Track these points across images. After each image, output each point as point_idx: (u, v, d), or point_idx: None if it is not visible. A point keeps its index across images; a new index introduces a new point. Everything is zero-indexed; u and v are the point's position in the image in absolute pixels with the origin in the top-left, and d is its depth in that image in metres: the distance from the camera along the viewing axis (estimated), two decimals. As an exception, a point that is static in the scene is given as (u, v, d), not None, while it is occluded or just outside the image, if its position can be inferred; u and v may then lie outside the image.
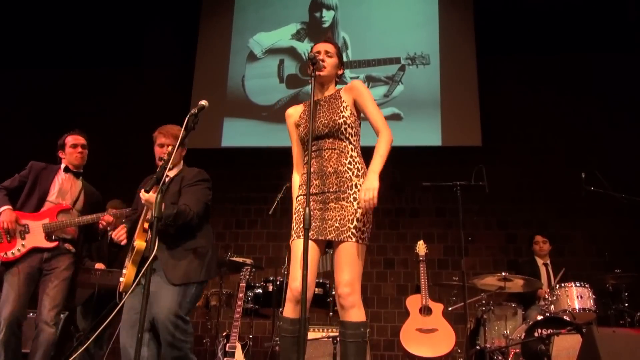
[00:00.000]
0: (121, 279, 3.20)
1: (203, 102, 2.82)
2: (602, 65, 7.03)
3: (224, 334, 4.72)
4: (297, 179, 3.03)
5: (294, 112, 3.04)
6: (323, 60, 2.87)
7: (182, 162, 3.59)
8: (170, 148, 3.14)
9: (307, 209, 2.48)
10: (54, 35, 7.78)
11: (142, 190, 3.12)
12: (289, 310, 2.71)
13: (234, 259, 5.12)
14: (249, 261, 5.13)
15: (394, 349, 6.24)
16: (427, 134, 7.04)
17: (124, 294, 3.14)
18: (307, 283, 2.44)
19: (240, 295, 4.69)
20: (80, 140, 4.18)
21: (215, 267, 3.49)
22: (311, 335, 4.71)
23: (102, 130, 7.38)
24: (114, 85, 7.69)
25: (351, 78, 7.16)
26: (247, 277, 4.83)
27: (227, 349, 4.53)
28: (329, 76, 2.94)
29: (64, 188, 4.04)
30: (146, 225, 3.22)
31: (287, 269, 4.54)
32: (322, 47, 2.95)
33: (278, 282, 4.85)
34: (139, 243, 3.18)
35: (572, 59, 7.12)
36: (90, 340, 2.89)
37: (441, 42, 7.28)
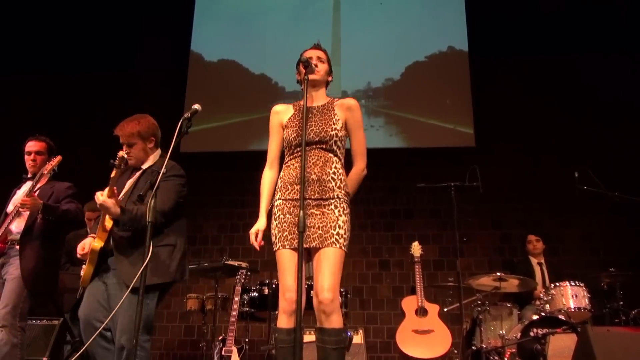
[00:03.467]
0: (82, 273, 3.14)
1: (196, 106, 2.82)
2: (593, 65, 7.06)
3: (220, 338, 4.71)
4: (268, 175, 2.98)
5: (282, 111, 3.01)
6: (316, 65, 2.88)
7: (156, 154, 3.37)
8: (127, 149, 3.19)
9: (302, 212, 2.47)
10: (47, 40, 7.75)
11: (98, 192, 2.96)
12: (285, 322, 2.67)
13: (229, 262, 5.11)
14: (244, 265, 5.12)
15: (390, 351, 6.24)
16: (421, 135, 7.06)
17: (80, 288, 3.16)
18: (301, 290, 2.43)
19: (236, 298, 4.68)
20: (33, 147, 4.06)
21: (183, 269, 3.20)
22: (308, 338, 4.70)
23: (95, 134, 7.36)
24: (108, 89, 7.66)
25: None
26: (243, 280, 4.82)
27: (223, 353, 4.52)
28: (322, 81, 2.95)
29: (17, 197, 3.96)
30: (107, 225, 3.08)
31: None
32: (314, 53, 2.97)
33: (274, 285, 4.84)
34: (96, 243, 3.06)
35: (564, 60, 7.15)
36: (85, 346, 2.87)
37: (434, 43, 7.31)
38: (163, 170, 2.67)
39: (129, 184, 3.27)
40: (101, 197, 2.93)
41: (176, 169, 3.25)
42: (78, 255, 3.18)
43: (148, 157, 3.31)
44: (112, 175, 2.96)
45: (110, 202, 2.92)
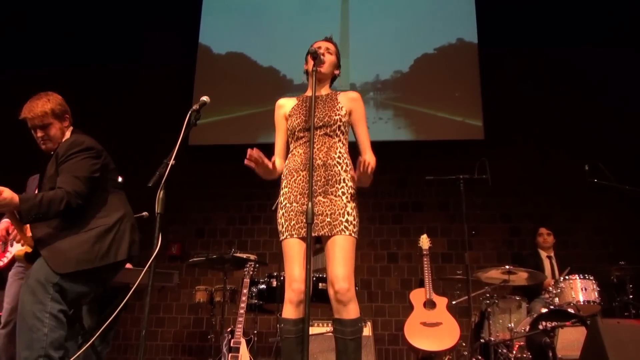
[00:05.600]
0: None
1: (204, 98, 2.80)
2: (603, 57, 7.00)
3: (229, 329, 4.72)
4: (279, 162, 2.96)
5: (286, 104, 3.01)
6: (323, 55, 2.87)
7: (68, 134, 3.05)
8: (41, 132, 2.93)
9: (310, 203, 2.46)
10: (54, 33, 7.78)
11: None
12: (291, 312, 2.68)
13: (238, 255, 5.13)
14: (252, 257, 5.13)
15: (398, 343, 6.25)
16: (430, 128, 7.04)
17: None
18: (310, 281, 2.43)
19: (244, 291, 4.69)
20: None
21: (129, 246, 2.97)
22: (315, 330, 4.72)
23: (104, 128, 7.38)
24: (116, 82, 7.68)
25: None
26: (251, 272, 4.83)
27: (231, 345, 4.54)
28: (328, 74, 2.96)
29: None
30: (26, 227, 2.85)
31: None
32: (323, 44, 2.98)
33: (282, 278, 4.85)
34: (19, 252, 2.85)
35: (574, 52, 7.09)
36: (95, 337, 2.88)
37: (443, 35, 7.27)
38: (172, 162, 2.63)
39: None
40: None
41: (77, 143, 2.93)
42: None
43: (64, 137, 3.02)
44: None
45: (3, 195, 2.61)
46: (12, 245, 3.84)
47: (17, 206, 2.65)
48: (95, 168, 2.93)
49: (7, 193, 2.62)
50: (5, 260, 3.82)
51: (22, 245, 2.92)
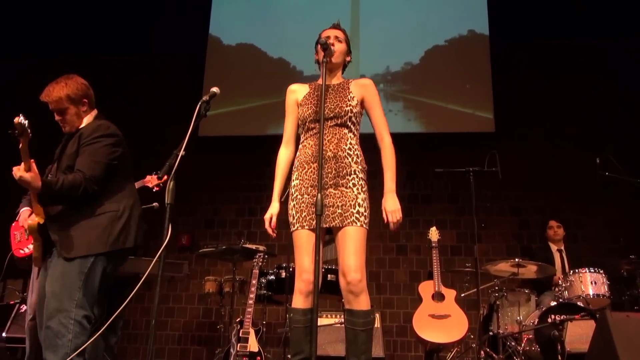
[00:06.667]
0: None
1: (214, 89, 2.80)
2: (615, 49, 6.94)
3: (238, 320, 4.75)
4: (284, 154, 2.98)
5: (298, 89, 3.01)
6: (333, 45, 2.86)
7: (91, 116, 3.12)
8: (58, 116, 3.01)
9: (319, 195, 2.47)
10: (62, 23, 7.78)
11: (15, 167, 2.66)
12: (300, 302, 2.70)
13: (247, 246, 5.14)
14: (261, 248, 5.15)
15: (407, 335, 6.26)
16: (440, 120, 7.01)
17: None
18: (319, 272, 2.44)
19: (254, 281, 4.72)
20: None
21: (127, 235, 2.97)
22: (324, 321, 4.74)
23: (113, 119, 7.41)
24: (126, 73, 7.70)
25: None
26: (260, 263, 4.86)
27: (240, 335, 4.57)
28: (339, 63, 2.94)
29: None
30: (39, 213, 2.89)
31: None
32: (332, 32, 2.95)
33: (291, 269, 4.87)
34: (30, 221, 2.88)
35: (585, 44, 7.02)
36: (105, 326, 2.91)
37: (455, 27, 7.22)
38: (182, 152, 2.63)
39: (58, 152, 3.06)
40: (18, 172, 2.65)
41: (103, 128, 3.01)
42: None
43: (82, 120, 3.08)
44: (20, 146, 2.62)
45: (28, 176, 2.64)
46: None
47: (38, 189, 2.71)
48: (115, 156, 2.99)
49: (33, 172, 2.68)
50: (28, 250, 3.84)
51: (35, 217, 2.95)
